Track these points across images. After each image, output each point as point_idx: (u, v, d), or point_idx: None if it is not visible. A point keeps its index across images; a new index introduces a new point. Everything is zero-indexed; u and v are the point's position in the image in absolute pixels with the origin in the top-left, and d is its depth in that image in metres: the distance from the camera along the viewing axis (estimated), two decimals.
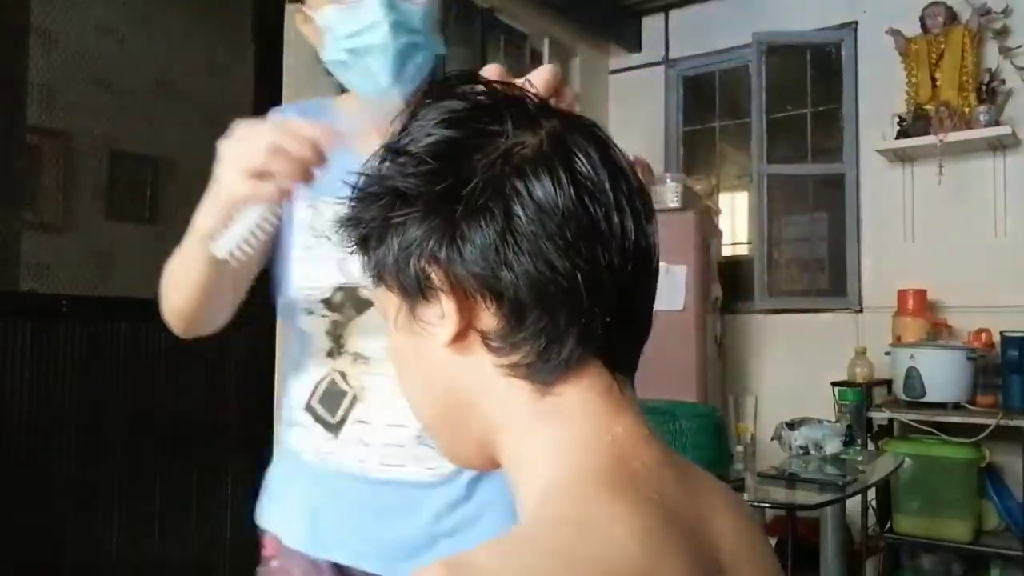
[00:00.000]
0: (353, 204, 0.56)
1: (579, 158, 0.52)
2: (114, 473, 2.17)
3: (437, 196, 0.51)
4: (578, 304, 0.51)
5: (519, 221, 0.50)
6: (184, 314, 1.01)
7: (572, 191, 0.50)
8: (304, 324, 1.10)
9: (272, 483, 1.17)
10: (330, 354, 1.08)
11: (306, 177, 0.82)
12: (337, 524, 1.08)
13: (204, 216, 0.89)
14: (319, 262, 1.06)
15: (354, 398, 1.07)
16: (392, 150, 0.55)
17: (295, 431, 1.12)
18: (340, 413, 1.08)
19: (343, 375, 1.07)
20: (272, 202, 0.83)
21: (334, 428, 1.08)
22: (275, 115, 1.10)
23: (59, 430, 2.07)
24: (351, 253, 0.58)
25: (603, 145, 0.54)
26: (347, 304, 1.06)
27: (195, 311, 1.00)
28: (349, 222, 0.57)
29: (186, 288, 0.97)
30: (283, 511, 1.13)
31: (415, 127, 0.55)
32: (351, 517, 1.07)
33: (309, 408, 1.10)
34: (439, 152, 0.52)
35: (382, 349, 1.04)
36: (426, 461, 1.07)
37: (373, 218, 0.54)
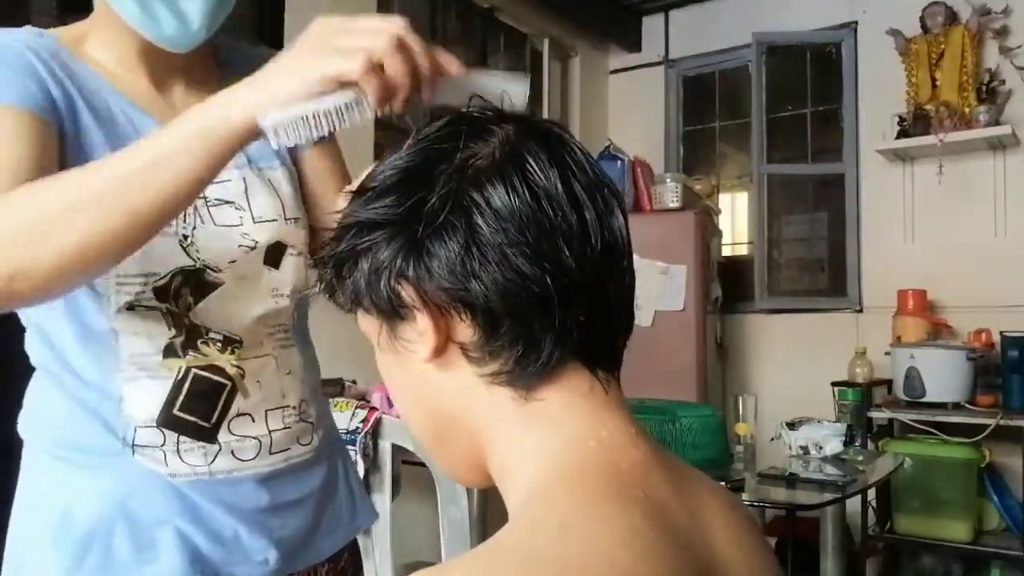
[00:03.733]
0: (324, 245, 0.58)
1: (530, 162, 0.52)
2: None
3: (400, 217, 0.53)
4: (550, 307, 0.51)
5: (481, 232, 0.51)
6: (86, 250, 0.68)
7: (528, 195, 0.51)
8: (116, 323, 0.88)
9: (83, 533, 0.87)
10: (171, 351, 0.90)
11: (413, 95, 0.67)
12: (233, 538, 0.93)
13: (223, 102, 0.68)
14: (153, 243, 0.79)
15: (232, 389, 0.93)
16: (355, 190, 0.57)
17: (142, 453, 0.89)
18: (217, 412, 0.92)
19: (209, 368, 0.91)
20: (363, 96, 0.65)
21: (210, 433, 0.91)
22: (14, 40, 0.87)
23: None
24: (330, 287, 0.58)
25: (558, 144, 0.54)
26: (185, 290, 0.90)
27: (117, 246, 0.70)
28: (321, 260, 0.58)
29: (133, 204, 0.67)
30: (134, 554, 0.88)
31: (377, 168, 0.57)
32: (249, 526, 0.94)
33: (169, 420, 0.89)
34: (398, 180, 0.54)
35: (247, 325, 0.93)
36: (304, 437, 1.01)
37: (343, 249, 0.56)
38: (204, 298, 0.91)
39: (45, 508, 0.90)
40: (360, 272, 0.55)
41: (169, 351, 0.90)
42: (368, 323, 0.58)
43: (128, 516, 0.88)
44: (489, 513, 2.49)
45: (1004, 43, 3.43)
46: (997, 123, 3.34)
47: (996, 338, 3.19)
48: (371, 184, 0.56)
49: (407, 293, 0.53)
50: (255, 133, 0.67)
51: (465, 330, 0.53)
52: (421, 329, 0.53)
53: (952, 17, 3.50)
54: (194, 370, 0.90)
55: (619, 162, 3.71)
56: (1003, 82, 3.43)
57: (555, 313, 0.51)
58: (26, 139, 0.78)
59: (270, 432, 0.96)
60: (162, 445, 0.90)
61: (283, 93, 0.66)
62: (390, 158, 0.57)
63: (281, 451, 0.98)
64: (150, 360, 0.89)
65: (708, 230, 3.74)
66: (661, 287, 3.48)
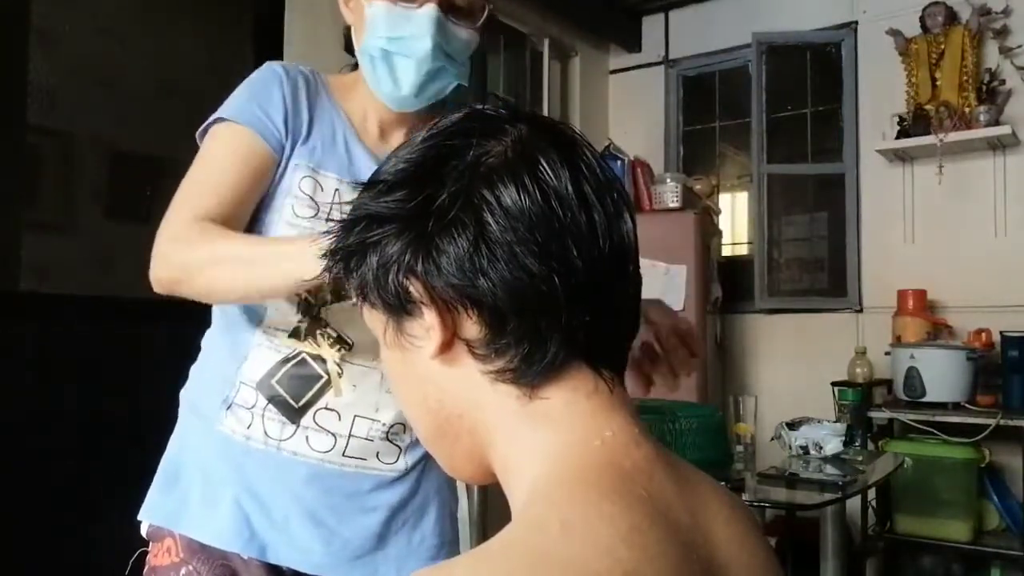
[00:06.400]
0: (334, 236, 0.58)
1: (543, 162, 0.52)
2: (114, 473, 2.17)
3: (410, 212, 0.53)
4: (556, 306, 0.51)
5: (491, 229, 0.51)
6: (218, 292, 0.96)
7: (538, 195, 0.51)
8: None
9: (178, 471, 1.05)
10: (296, 334, 1.03)
11: None
12: (283, 520, 1.01)
13: (305, 255, 0.84)
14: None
15: (326, 383, 1.02)
16: (366, 183, 0.57)
17: (234, 412, 1.03)
18: (307, 397, 1.02)
19: (317, 358, 1.02)
20: None
21: (295, 413, 1.02)
22: (274, 69, 1.08)
23: (59, 430, 2.07)
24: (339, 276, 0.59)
25: (570, 145, 0.55)
26: (327, 286, 1.01)
27: (230, 298, 0.98)
28: (331, 252, 0.58)
29: (249, 287, 0.93)
30: (200, 505, 1.02)
31: (389, 160, 0.57)
32: (301, 513, 1.01)
33: (265, 387, 1.02)
34: (409, 174, 0.54)
35: (368, 338, 1.00)
36: (387, 457, 1.06)
37: (352, 242, 0.56)
38: (340, 300, 1.02)
39: (167, 452, 1.09)
40: (368, 266, 0.55)
41: (295, 333, 1.03)
42: (374, 318, 0.58)
43: (204, 473, 1.03)
44: (489, 513, 2.49)
45: (1004, 43, 3.43)
46: (997, 123, 3.33)
47: (996, 338, 3.18)
48: (382, 177, 0.56)
49: (415, 289, 0.53)
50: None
51: (472, 327, 0.53)
52: (428, 325, 0.53)
53: (952, 17, 3.49)
54: (304, 354, 1.03)
55: (619, 162, 3.71)
56: (1003, 82, 3.43)
57: (561, 313, 0.51)
58: (243, 164, 1.00)
59: (350, 436, 1.03)
60: (252, 407, 1.03)
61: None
62: (402, 151, 0.57)
63: (355, 458, 1.04)
64: (278, 336, 1.03)
65: (708, 230, 3.74)
66: (661, 287, 3.48)
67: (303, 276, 0.83)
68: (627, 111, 4.44)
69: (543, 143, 0.53)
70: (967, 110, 3.40)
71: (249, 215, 1.02)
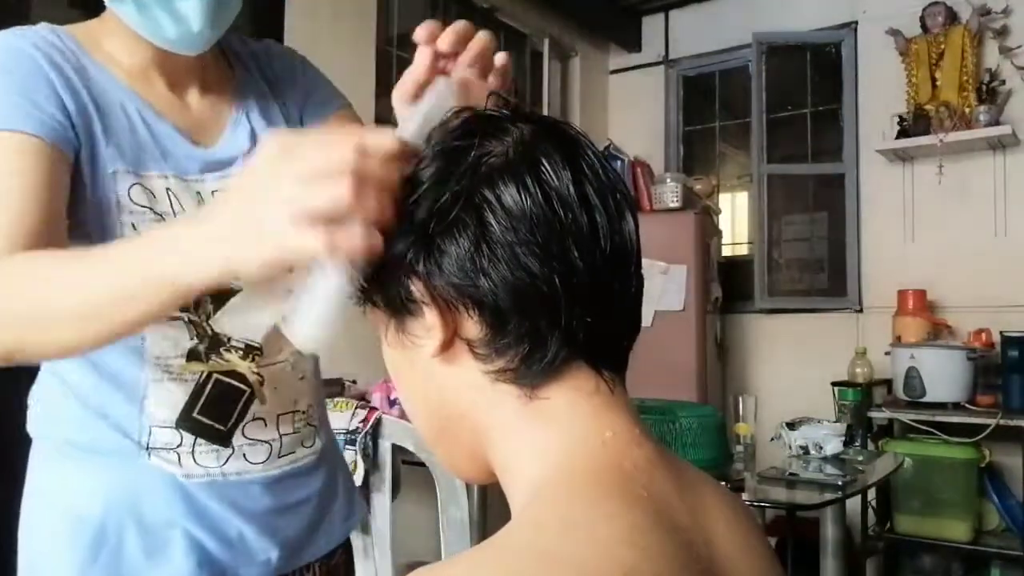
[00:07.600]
0: None
1: (544, 162, 0.52)
2: None
3: (411, 212, 0.53)
4: (557, 306, 0.51)
5: (492, 230, 0.51)
6: (60, 346, 0.71)
7: (540, 196, 0.51)
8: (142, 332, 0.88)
9: (103, 531, 0.88)
10: (195, 357, 0.91)
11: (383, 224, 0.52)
12: (238, 537, 0.94)
13: (192, 255, 0.59)
14: None
15: (251, 395, 0.95)
16: None
17: (156, 454, 0.90)
18: (233, 417, 0.94)
19: (231, 374, 0.93)
20: (349, 261, 0.51)
21: (225, 436, 0.93)
22: (16, 46, 0.85)
23: None
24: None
25: (572, 146, 0.55)
26: (206, 298, 0.90)
27: (78, 347, 0.72)
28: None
29: (100, 327, 0.67)
30: (144, 556, 0.89)
31: None
32: (255, 525, 0.95)
33: (187, 422, 0.91)
34: (413, 173, 0.54)
35: (271, 333, 0.95)
36: (308, 440, 1.03)
37: None
38: (223, 304, 0.92)
39: (59, 505, 0.91)
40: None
41: (192, 355, 0.91)
42: (376, 317, 0.59)
43: (138, 519, 0.89)
44: (489, 513, 2.49)
45: (1004, 43, 3.43)
46: (997, 123, 3.34)
47: (996, 338, 3.19)
48: None
49: (416, 288, 0.53)
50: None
51: (472, 327, 0.53)
52: (429, 324, 0.54)
53: (952, 17, 3.50)
54: (216, 375, 0.92)
55: (619, 162, 3.72)
56: (1003, 82, 3.43)
57: (562, 313, 0.51)
58: (30, 173, 0.77)
59: (280, 436, 0.99)
60: (178, 446, 0.91)
61: (257, 260, 0.54)
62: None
63: (288, 454, 1.00)
64: (173, 363, 0.90)
65: (708, 230, 3.74)
66: (661, 287, 3.48)
67: (200, 279, 0.60)
68: (627, 111, 4.44)
69: (545, 143, 0.54)
70: (967, 110, 3.41)
71: (65, 229, 0.80)
